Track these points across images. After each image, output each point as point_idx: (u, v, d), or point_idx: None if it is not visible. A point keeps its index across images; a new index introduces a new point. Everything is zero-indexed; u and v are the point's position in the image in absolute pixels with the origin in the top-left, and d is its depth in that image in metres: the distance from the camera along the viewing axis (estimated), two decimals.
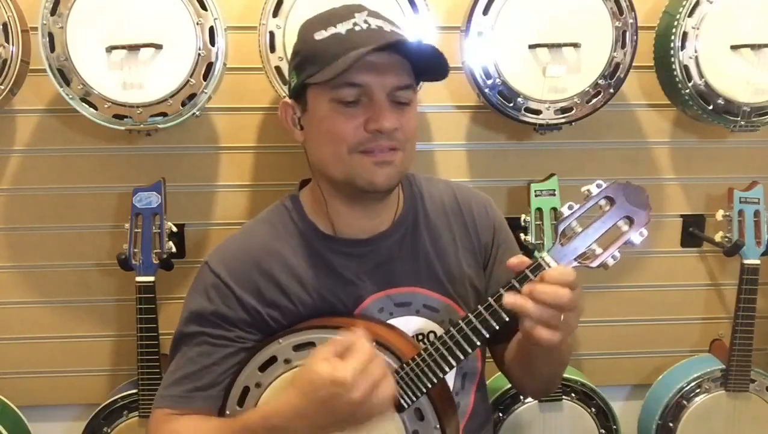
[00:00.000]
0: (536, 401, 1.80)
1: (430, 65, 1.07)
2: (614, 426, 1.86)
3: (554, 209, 1.75)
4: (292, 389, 0.98)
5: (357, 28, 1.03)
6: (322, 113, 1.06)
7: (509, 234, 1.28)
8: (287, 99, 1.14)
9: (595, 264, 0.98)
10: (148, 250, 1.69)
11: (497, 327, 1.00)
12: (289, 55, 1.56)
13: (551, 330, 0.94)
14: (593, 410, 1.84)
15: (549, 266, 0.97)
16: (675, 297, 2.02)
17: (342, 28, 1.03)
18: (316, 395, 0.94)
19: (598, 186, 0.98)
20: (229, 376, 1.12)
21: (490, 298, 1.00)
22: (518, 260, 0.99)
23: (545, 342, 0.95)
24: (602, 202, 0.99)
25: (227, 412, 1.12)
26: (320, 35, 1.04)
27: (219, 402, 1.12)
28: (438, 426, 1.06)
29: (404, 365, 1.04)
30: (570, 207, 0.99)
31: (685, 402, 1.85)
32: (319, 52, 1.04)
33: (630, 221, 0.98)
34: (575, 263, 0.98)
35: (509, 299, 0.95)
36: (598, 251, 0.98)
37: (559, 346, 0.99)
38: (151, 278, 1.68)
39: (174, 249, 1.72)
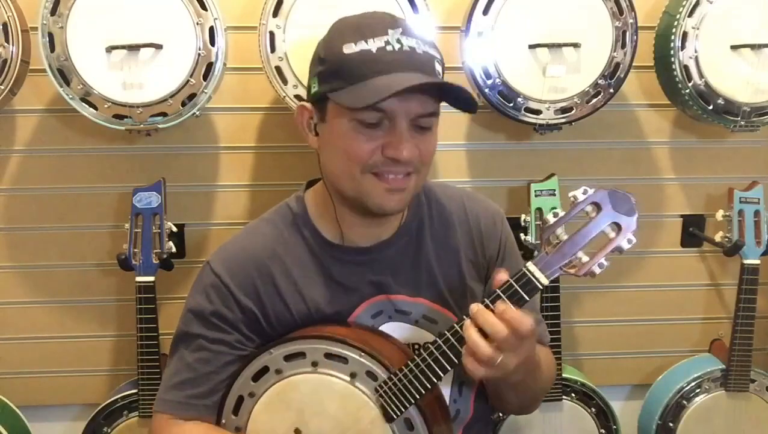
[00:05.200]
0: None
1: (459, 97, 1.05)
2: (614, 426, 1.85)
3: (554, 209, 1.74)
4: None
5: (389, 48, 0.99)
6: (342, 129, 1.03)
7: (515, 250, 1.26)
8: (306, 103, 1.11)
9: (581, 273, 0.96)
10: (148, 250, 1.69)
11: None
12: (289, 55, 1.57)
13: (477, 363, 0.95)
14: (593, 410, 1.84)
15: (534, 276, 0.96)
16: (675, 297, 2.02)
17: (373, 45, 0.99)
18: None
19: (584, 192, 0.96)
20: (227, 385, 1.12)
21: (466, 317, 0.99)
22: (499, 277, 0.99)
23: (470, 372, 0.97)
24: (588, 208, 0.96)
25: (223, 420, 1.13)
26: (349, 48, 0.99)
27: (216, 410, 1.13)
28: None
29: (392, 375, 1.04)
30: (555, 214, 0.97)
31: (685, 402, 1.85)
32: (345, 68, 1.00)
33: (617, 227, 0.96)
34: (561, 272, 0.97)
35: (466, 325, 0.97)
36: (585, 259, 0.97)
37: (518, 380, 1.02)
38: (151, 278, 1.68)
39: (174, 249, 1.72)
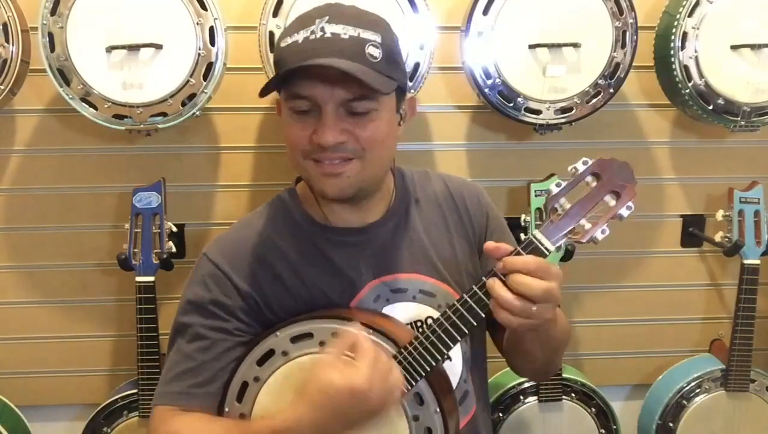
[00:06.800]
0: (536, 401, 1.80)
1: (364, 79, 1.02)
2: (614, 426, 1.86)
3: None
4: (302, 401, 0.99)
5: (312, 36, 1.01)
6: (285, 118, 1.09)
7: (502, 221, 1.29)
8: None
9: (585, 239, 1.00)
10: (148, 250, 1.69)
11: (483, 314, 1.01)
12: None
13: (513, 315, 0.97)
14: (593, 410, 1.84)
15: (541, 243, 0.99)
16: (675, 297, 2.02)
17: (300, 36, 1.02)
18: (334, 406, 0.96)
19: (584, 163, 1.01)
20: (228, 372, 1.12)
21: (474, 286, 1.01)
22: (494, 245, 1.01)
23: (506, 324, 0.98)
24: (589, 178, 1.01)
25: (226, 408, 1.12)
26: (284, 42, 1.04)
27: (218, 399, 1.12)
28: (438, 409, 1.07)
29: (402, 350, 1.05)
30: (558, 185, 1.01)
31: (685, 402, 1.85)
32: (279, 61, 1.05)
33: (617, 195, 1.01)
34: (565, 239, 1.00)
35: (490, 283, 0.98)
36: (588, 226, 1.00)
37: (545, 328, 1.03)
38: (151, 278, 1.68)
39: (174, 249, 1.72)
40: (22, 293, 1.89)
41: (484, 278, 1.00)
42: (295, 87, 1.03)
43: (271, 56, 1.58)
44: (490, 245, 1.01)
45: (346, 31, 1.02)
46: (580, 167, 1.01)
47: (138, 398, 1.72)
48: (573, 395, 1.83)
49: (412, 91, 1.60)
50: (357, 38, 1.02)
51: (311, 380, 0.99)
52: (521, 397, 1.81)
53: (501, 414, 1.80)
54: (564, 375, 1.82)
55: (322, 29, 1.02)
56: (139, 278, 1.68)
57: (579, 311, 2.01)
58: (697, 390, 1.85)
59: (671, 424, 1.86)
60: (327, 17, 1.02)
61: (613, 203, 1.01)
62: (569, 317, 1.98)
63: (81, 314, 1.91)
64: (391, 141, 1.11)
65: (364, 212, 1.17)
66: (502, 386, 1.82)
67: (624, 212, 1.00)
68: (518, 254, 0.99)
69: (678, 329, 2.04)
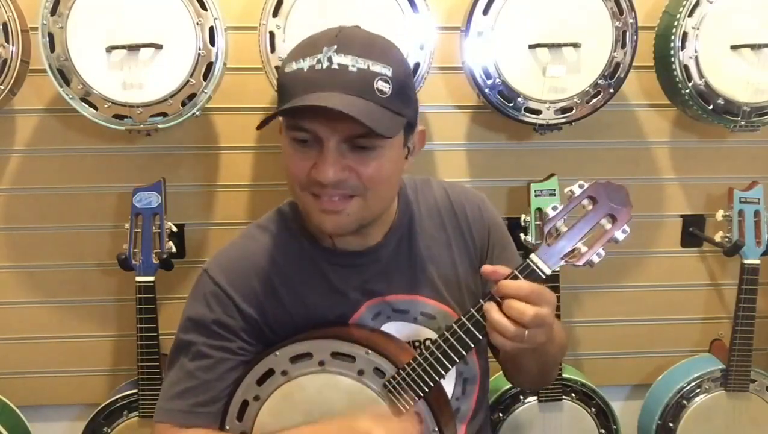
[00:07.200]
0: (536, 401, 1.80)
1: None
2: (614, 426, 1.86)
3: (553, 203, 1.75)
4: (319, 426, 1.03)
5: (318, 66, 0.96)
6: (284, 144, 1.04)
7: (504, 233, 1.27)
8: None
9: (581, 262, 1.01)
10: (148, 250, 1.69)
11: (480, 337, 1.02)
12: None
13: (506, 339, 0.98)
14: (593, 410, 1.84)
15: (537, 267, 1.00)
16: (675, 297, 2.02)
17: (305, 64, 0.97)
18: None
19: (581, 186, 1.02)
20: (231, 391, 1.11)
21: (472, 309, 1.02)
22: (491, 268, 1.01)
23: (500, 347, 0.99)
24: (585, 202, 1.03)
25: (227, 427, 1.11)
26: (289, 68, 0.99)
27: (220, 418, 1.11)
28: (436, 428, 1.07)
29: (400, 370, 1.05)
30: (554, 208, 1.02)
31: (685, 402, 1.85)
32: (282, 87, 1.00)
33: (612, 218, 1.02)
34: (562, 262, 1.01)
35: (486, 307, 0.99)
36: (584, 249, 1.02)
37: (540, 347, 1.03)
38: (151, 278, 1.68)
39: (174, 249, 1.72)
40: (22, 293, 1.89)
41: (482, 301, 1.01)
42: (297, 119, 0.98)
43: (271, 56, 1.58)
44: (487, 268, 1.02)
45: (354, 63, 0.96)
46: (577, 190, 1.02)
47: (138, 398, 1.72)
48: (573, 395, 1.83)
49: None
50: (366, 71, 0.96)
51: (344, 417, 1.03)
52: (521, 397, 1.81)
53: (501, 415, 1.80)
54: (564, 375, 1.82)
55: (330, 59, 0.96)
56: (139, 278, 1.68)
57: (579, 311, 2.01)
58: (697, 390, 1.85)
59: (671, 424, 1.86)
60: (335, 46, 0.96)
61: (608, 226, 1.02)
62: (569, 317, 1.98)
63: (81, 314, 1.91)
64: (396, 177, 1.08)
65: (367, 237, 1.15)
66: (501, 386, 1.82)
67: (619, 235, 1.01)
68: (515, 277, 0.99)
69: (678, 329, 2.04)
